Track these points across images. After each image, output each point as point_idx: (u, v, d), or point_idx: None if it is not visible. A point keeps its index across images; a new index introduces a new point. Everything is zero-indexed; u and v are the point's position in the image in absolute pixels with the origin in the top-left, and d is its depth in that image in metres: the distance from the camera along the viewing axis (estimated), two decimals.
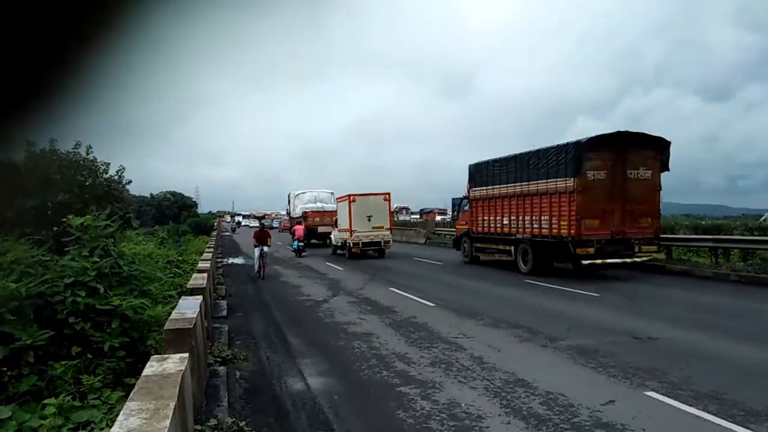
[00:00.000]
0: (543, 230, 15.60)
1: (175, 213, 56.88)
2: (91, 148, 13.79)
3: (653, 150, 15.13)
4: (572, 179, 14.43)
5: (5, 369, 4.77)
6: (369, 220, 23.49)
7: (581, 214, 14.36)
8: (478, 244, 19.72)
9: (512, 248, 17.38)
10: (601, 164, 14.55)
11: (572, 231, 14.40)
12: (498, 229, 17.96)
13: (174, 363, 3.41)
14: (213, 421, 4.79)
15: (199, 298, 6.26)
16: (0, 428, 3.80)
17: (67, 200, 12.60)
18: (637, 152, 14.90)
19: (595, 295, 12.21)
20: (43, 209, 12.24)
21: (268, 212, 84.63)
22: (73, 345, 5.33)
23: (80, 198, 13.11)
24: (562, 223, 14.84)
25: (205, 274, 8.70)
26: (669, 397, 5.57)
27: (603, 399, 5.57)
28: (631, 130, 14.87)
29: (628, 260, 14.90)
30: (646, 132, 14.97)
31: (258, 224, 26.05)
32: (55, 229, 7.50)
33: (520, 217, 16.66)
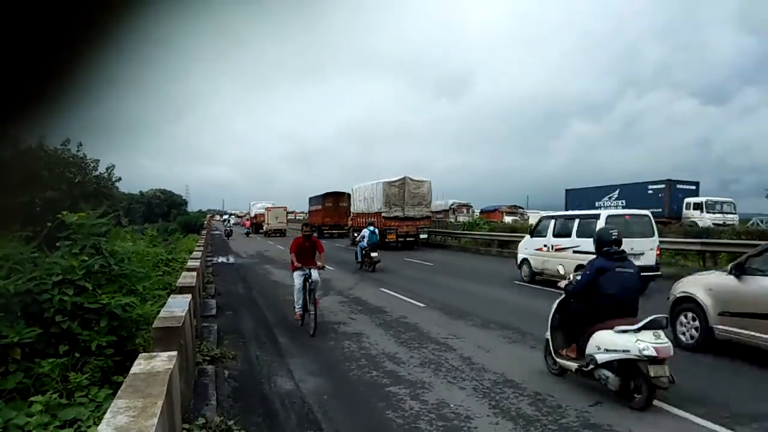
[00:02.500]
0: (318, 222, 39.84)
1: (164, 211, 56.57)
2: (81, 145, 13.69)
3: (347, 195, 37.38)
4: (321, 206, 42.12)
5: None
6: (276, 218, 47.77)
7: (324, 217, 41.03)
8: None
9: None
10: (330, 200, 41.01)
11: (321, 222, 39.72)
12: (315, 223, 39.94)
13: (162, 361, 3.39)
14: (201, 420, 4.77)
15: (188, 297, 6.23)
16: None
17: (56, 197, 12.49)
18: (341, 197, 39.75)
19: None
20: (30, 206, 12.12)
21: (275, 206, 74.70)
22: (61, 343, 5.29)
23: (69, 195, 13.00)
24: (319, 219, 40.82)
25: (195, 273, 8.66)
26: (656, 399, 5.62)
27: (591, 400, 5.61)
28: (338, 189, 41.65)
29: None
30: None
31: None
32: (48, 225, 7.41)
33: (319, 219, 41.44)
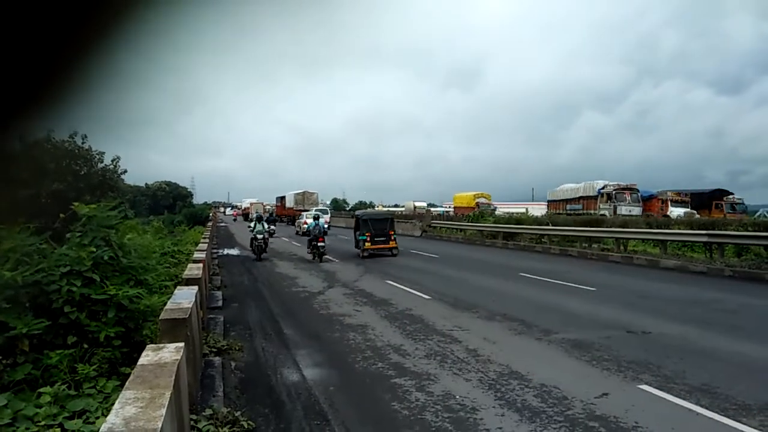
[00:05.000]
0: (279, 213, 56.40)
1: (170, 203, 56.96)
2: (86, 137, 13.71)
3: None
4: (281, 203, 60.50)
5: (0, 357, 4.75)
6: (256, 211, 53.12)
7: (281, 210, 58.07)
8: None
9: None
10: (283, 200, 59.42)
11: (280, 213, 56.53)
12: (278, 213, 55.84)
13: (170, 352, 3.41)
14: (208, 411, 4.80)
15: (194, 288, 6.25)
16: None
17: (62, 189, 12.52)
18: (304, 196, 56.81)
19: (592, 289, 12.26)
20: (36, 198, 12.15)
21: (256, 202, 78.62)
22: (69, 334, 5.31)
23: (75, 187, 13.03)
24: (278, 212, 57.33)
25: (201, 265, 8.70)
26: (662, 390, 5.61)
27: (597, 392, 5.60)
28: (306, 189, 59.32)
29: None
30: None
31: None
32: (62, 216, 7.42)
33: (278, 211, 56.73)
